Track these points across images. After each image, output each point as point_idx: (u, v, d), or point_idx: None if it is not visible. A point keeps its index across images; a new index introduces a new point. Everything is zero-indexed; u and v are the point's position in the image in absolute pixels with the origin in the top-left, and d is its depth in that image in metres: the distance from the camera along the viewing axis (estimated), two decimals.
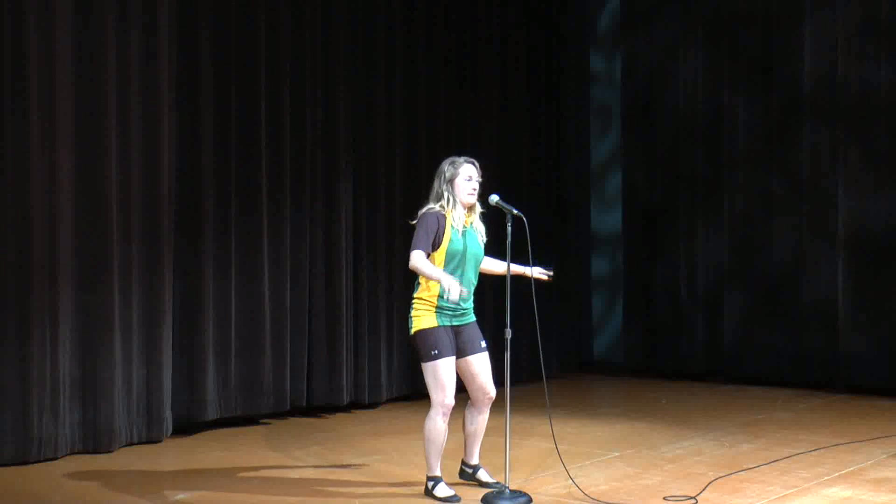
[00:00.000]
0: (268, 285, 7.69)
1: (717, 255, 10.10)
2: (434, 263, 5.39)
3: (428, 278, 5.38)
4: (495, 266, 5.77)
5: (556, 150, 10.50)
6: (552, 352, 9.82)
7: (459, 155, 5.64)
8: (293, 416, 7.96)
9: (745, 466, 6.13)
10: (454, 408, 5.43)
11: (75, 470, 6.18)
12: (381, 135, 8.61)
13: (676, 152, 10.34)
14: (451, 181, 5.48)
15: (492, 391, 5.57)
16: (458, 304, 5.39)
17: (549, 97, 10.38)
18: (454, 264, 5.40)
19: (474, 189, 5.50)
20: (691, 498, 5.43)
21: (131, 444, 6.82)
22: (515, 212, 5.41)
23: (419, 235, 5.40)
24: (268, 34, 7.74)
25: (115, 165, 6.74)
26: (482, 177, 5.59)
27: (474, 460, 5.73)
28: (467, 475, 5.71)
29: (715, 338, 10.07)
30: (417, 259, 5.36)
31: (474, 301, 5.58)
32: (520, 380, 8.72)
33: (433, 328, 5.36)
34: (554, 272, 5.73)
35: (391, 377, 8.64)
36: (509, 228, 5.40)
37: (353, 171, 8.37)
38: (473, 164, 5.54)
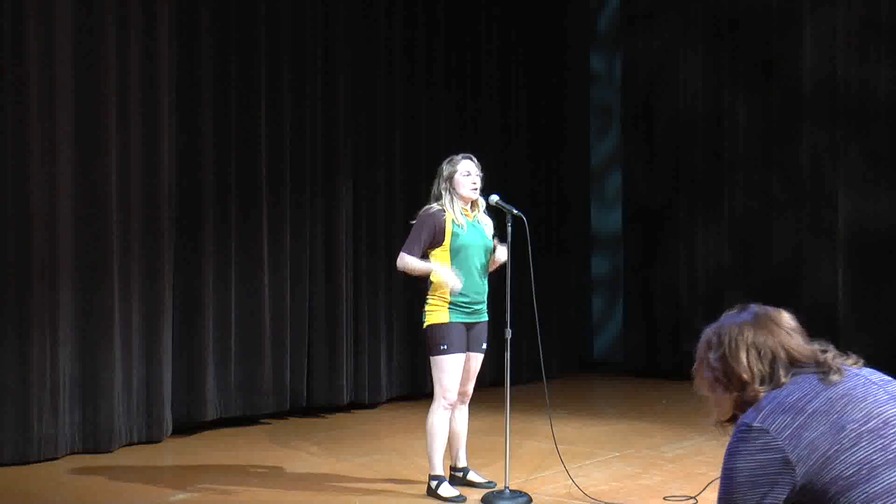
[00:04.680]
0: (268, 285, 7.69)
1: (717, 255, 10.10)
2: (439, 260, 5.41)
3: (419, 274, 5.41)
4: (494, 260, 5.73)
5: (556, 150, 10.50)
6: (552, 352, 9.81)
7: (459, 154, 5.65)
8: (293, 415, 7.96)
9: None
10: None
11: (75, 470, 6.18)
12: (382, 135, 8.61)
13: (676, 152, 10.34)
14: (449, 178, 5.49)
15: (470, 389, 5.61)
16: (470, 298, 5.40)
17: (549, 97, 10.38)
18: (459, 259, 5.40)
19: (474, 184, 5.49)
20: (691, 498, 5.43)
21: (131, 443, 6.82)
22: (515, 212, 5.41)
23: (410, 238, 5.46)
24: (268, 34, 7.74)
25: (115, 165, 6.74)
26: (483, 172, 5.60)
27: (462, 463, 5.72)
28: (457, 480, 5.66)
29: None
30: (402, 261, 5.44)
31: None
32: (520, 380, 8.72)
33: (445, 323, 5.38)
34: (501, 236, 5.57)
35: (391, 377, 8.64)
36: (509, 228, 5.40)
37: (353, 171, 8.37)
38: (471, 159, 5.55)
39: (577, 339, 10.94)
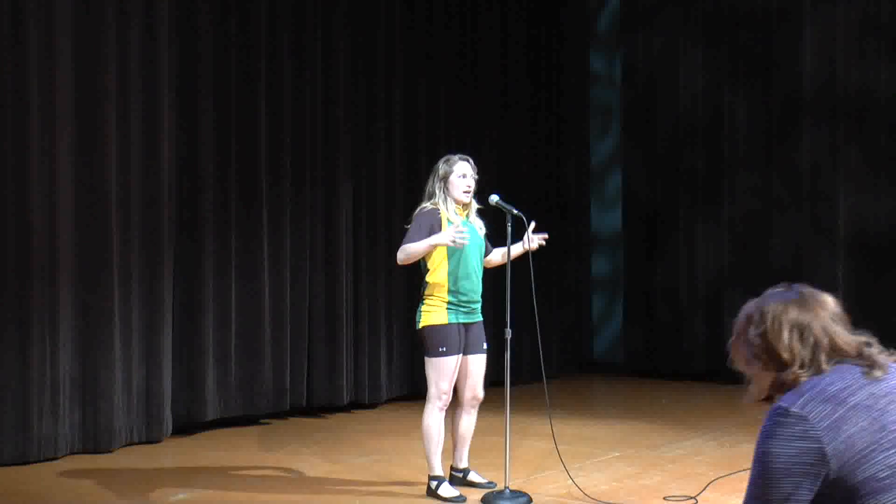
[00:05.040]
0: (268, 285, 7.69)
1: (717, 255, 10.09)
2: (435, 260, 5.41)
3: (423, 252, 5.37)
4: (494, 256, 5.75)
5: (556, 150, 10.50)
6: (552, 352, 9.81)
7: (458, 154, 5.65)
8: (293, 416, 7.96)
9: (745, 466, 6.04)
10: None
11: (75, 470, 6.18)
12: (382, 135, 8.61)
13: (676, 152, 10.33)
14: (444, 179, 5.48)
15: (480, 393, 5.59)
16: (468, 297, 5.39)
17: (549, 97, 10.38)
18: (456, 258, 5.41)
19: (469, 186, 5.49)
20: (691, 498, 5.43)
21: (131, 444, 6.82)
22: (515, 212, 5.42)
23: (409, 235, 5.43)
24: (268, 34, 7.74)
25: (115, 165, 6.74)
26: (478, 174, 5.60)
27: (463, 464, 5.72)
28: (458, 480, 5.68)
29: (715, 338, 10.04)
30: (402, 251, 5.40)
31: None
32: (520, 380, 8.72)
33: (444, 325, 5.37)
34: (541, 230, 5.58)
35: (391, 377, 8.64)
36: (509, 229, 5.41)
37: (353, 171, 8.37)
38: (468, 161, 5.54)
39: (577, 339, 10.94)
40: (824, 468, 2.21)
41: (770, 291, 2.47)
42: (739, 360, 2.48)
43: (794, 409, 2.26)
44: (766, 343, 2.38)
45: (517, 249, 5.57)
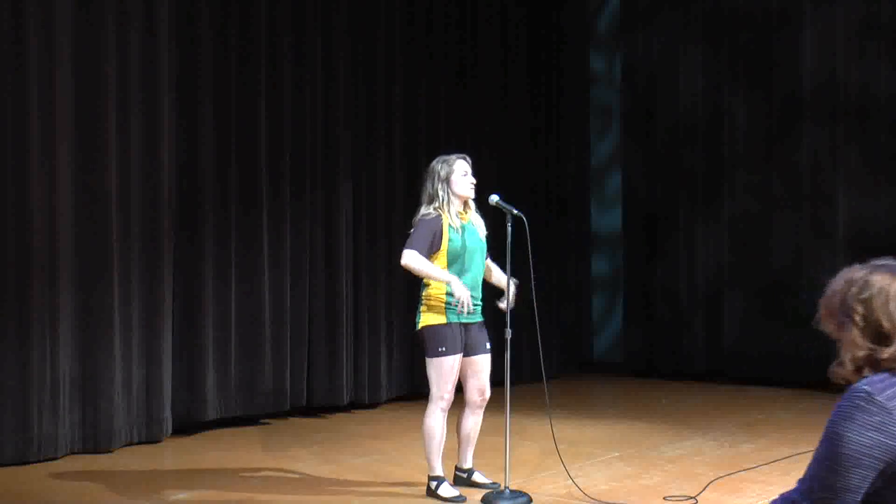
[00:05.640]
0: (268, 285, 7.69)
1: (717, 255, 10.09)
2: (437, 262, 5.39)
3: (428, 278, 5.38)
4: (491, 274, 5.73)
5: (556, 150, 10.50)
6: (552, 352, 9.81)
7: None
8: (293, 416, 7.96)
9: (745, 466, 6.13)
10: (450, 410, 5.47)
11: (75, 470, 6.19)
12: (381, 135, 8.60)
13: (676, 152, 10.34)
14: (446, 179, 5.47)
15: (488, 393, 5.59)
16: (472, 298, 5.38)
17: (549, 97, 10.38)
18: (458, 263, 5.41)
19: (472, 183, 5.51)
20: (691, 498, 5.43)
21: (131, 444, 6.82)
22: (515, 212, 5.42)
23: (415, 237, 5.40)
24: (268, 33, 7.74)
25: (115, 165, 6.74)
26: (476, 173, 5.61)
27: (468, 464, 5.72)
28: (462, 480, 5.69)
29: (715, 338, 10.06)
30: (412, 258, 5.35)
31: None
32: (520, 380, 8.71)
33: (442, 325, 5.37)
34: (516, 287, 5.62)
35: (391, 377, 8.64)
36: (509, 229, 5.41)
37: (354, 171, 8.37)
38: (466, 159, 5.55)
39: (577, 339, 10.94)
40: (891, 468, 2.11)
41: (877, 262, 2.34)
42: (830, 321, 2.34)
43: (879, 398, 2.13)
44: (867, 310, 2.25)
45: (503, 282, 5.56)
